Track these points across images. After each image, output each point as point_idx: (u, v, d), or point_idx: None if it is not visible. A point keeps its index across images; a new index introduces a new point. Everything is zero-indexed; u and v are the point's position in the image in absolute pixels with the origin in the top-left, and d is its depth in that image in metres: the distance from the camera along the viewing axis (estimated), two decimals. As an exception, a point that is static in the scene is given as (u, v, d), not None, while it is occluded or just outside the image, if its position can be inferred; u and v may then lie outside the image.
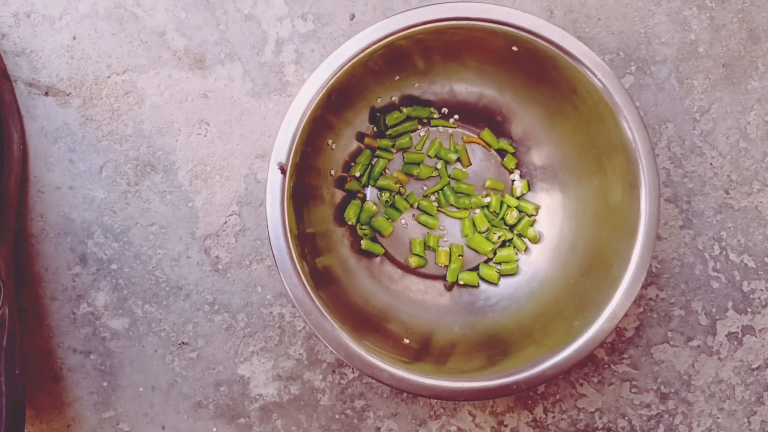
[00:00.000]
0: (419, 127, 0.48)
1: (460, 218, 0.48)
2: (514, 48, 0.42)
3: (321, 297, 0.40)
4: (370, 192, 0.48)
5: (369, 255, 0.47)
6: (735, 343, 0.49)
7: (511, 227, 0.48)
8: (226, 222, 0.48)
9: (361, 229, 0.47)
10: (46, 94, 0.48)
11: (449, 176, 0.48)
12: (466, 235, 0.48)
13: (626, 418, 0.49)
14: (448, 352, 0.43)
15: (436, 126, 0.48)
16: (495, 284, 0.47)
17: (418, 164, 0.48)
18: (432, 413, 0.48)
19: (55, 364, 0.48)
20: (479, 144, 0.48)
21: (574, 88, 0.42)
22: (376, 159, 0.48)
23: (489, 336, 0.45)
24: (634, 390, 0.49)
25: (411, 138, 0.48)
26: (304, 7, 0.49)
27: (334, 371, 0.48)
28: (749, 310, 0.49)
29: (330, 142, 0.46)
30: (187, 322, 0.48)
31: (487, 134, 0.48)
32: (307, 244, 0.42)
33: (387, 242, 0.48)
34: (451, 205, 0.48)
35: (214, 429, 0.48)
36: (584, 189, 0.45)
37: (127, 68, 0.48)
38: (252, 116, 0.48)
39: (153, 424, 0.48)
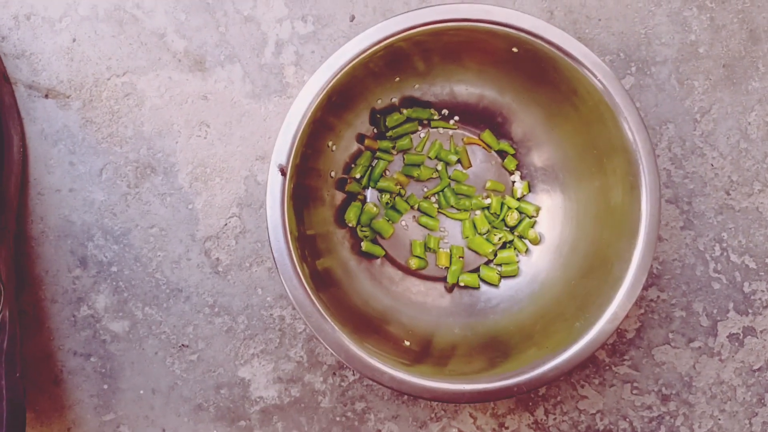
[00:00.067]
0: (419, 128, 0.48)
1: (460, 220, 0.48)
2: (515, 49, 0.42)
3: (321, 299, 0.40)
4: (371, 194, 0.48)
5: (369, 257, 0.47)
6: (736, 344, 0.49)
7: (512, 229, 0.48)
8: (226, 224, 0.48)
9: (362, 230, 0.47)
10: (46, 96, 0.48)
11: (450, 178, 0.48)
12: (467, 237, 0.48)
13: (627, 419, 0.49)
14: (448, 354, 0.43)
15: (437, 127, 0.48)
16: (496, 286, 0.47)
17: (419, 166, 0.48)
18: (433, 415, 0.48)
19: (55, 366, 0.47)
20: (479, 145, 0.48)
21: (574, 89, 0.42)
22: (376, 160, 0.48)
23: (490, 338, 0.45)
24: (635, 391, 0.49)
25: (411, 139, 0.48)
26: (304, 8, 0.48)
27: (334, 373, 0.48)
28: (750, 311, 0.49)
29: (330, 143, 0.46)
30: (188, 324, 0.48)
31: (487, 135, 0.48)
32: (308, 246, 0.42)
33: (387, 244, 0.48)
34: (452, 206, 0.48)
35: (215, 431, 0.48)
36: (585, 190, 0.45)
37: (127, 70, 0.48)
38: (252, 118, 0.48)
39: (153, 426, 0.48)
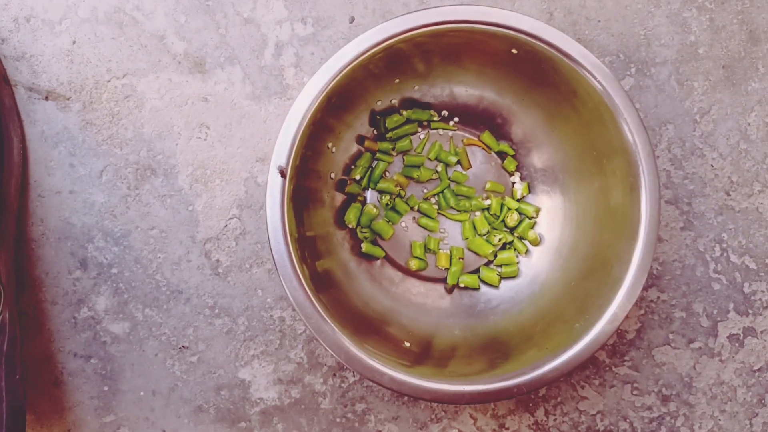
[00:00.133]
0: (419, 129, 0.48)
1: (460, 221, 0.48)
2: (514, 51, 0.42)
3: (321, 300, 0.40)
4: (371, 195, 0.48)
5: (369, 258, 0.47)
6: (736, 344, 0.49)
7: (512, 230, 0.48)
8: (226, 225, 0.48)
9: (362, 232, 0.47)
10: (46, 98, 0.48)
11: (449, 179, 0.48)
12: (467, 238, 0.48)
13: (628, 420, 0.49)
14: (448, 356, 0.43)
15: (436, 129, 0.48)
16: (496, 287, 0.47)
17: (419, 167, 0.48)
18: (433, 416, 0.48)
19: (55, 368, 0.48)
20: (479, 146, 0.48)
21: (574, 90, 0.42)
22: (376, 162, 0.48)
23: (490, 339, 0.45)
24: (635, 392, 0.49)
25: (411, 141, 0.48)
26: (304, 10, 0.49)
27: (334, 375, 0.48)
28: (750, 311, 0.49)
29: (330, 145, 0.46)
30: (188, 326, 0.48)
31: (487, 137, 0.48)
32: (308, 247, 0.42)
33: (387, 245, 0.48)
34: (452, 207, 0.48)
35: (215, 433, 0.48)
36: (585, 191, 0.45)
37: (127, 72, 0.48)
38: (252, 120, 0.48)
39: (154, 428, 0.48)
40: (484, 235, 0.48)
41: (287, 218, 0.40)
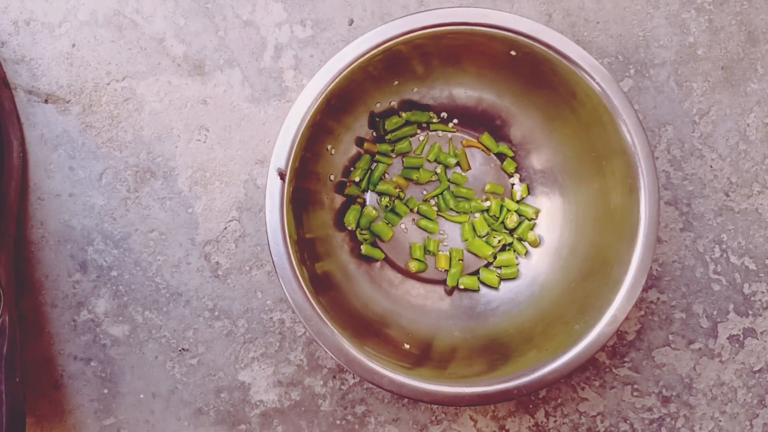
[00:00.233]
0: (418, 131, 0.48)
1: (460, 222, 0.48)
2: (513, 52, 0.42)
3: (321, 302, 0.40)
4: (370, 197, 0.48)
5: (369, 260, 0.47)
6: (736, 345, 0.49)
7: (511, 231, 0.48)
8: (225, 228, 0.48)
9: (361, 234, 0.47)
10: (46, 101, 0.48)
11: (449, 180, 0.48)
12: (466, 240, 0.48)
13: (628, 421, 0.49)
14: (448, 357, 0.43)
15: (436, 130, 0.48)
16: (495, 288, 0.47)
17: (418, 169, 0.48)
18: (433, 418, 0.48)
19: (55, 371, 0.48)
20: (478, 148, 0.48)
21: (572, 91, 0.42)
22: (375, 164, 0.48)
23: (490, 341, 0.45)
24: (635, 393, 0.49)
25: (410, 142, 0.48)
26: (303, 12, 0.49)
27: (334, 377, 0.48)
28: (750, 312, 0.49)
29: (329, 147, 0.46)
30: (188, 328, 0.48)
31: (486, 138, 0.48)
32: (307, 249, 0.42)
33: (387, 247, 0.48)
34: (451, 209, 0.48)
35: (215, 435, 0.48)
36: (584, 192, 0.45)
37: (126, 75, 0.48)
38: (251, 122, 0.48)
39: (154, 431, 0.48)
40: (484, 236, 0.48)
41: (287, 220, 0.40)
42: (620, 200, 0.42)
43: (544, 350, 0.41)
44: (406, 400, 0.48)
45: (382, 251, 0.47)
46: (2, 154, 0.45)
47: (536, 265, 0.47)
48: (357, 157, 0.48)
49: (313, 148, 0.43)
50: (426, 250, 0.48)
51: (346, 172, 0.47)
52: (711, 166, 0.50)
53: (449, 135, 0.48)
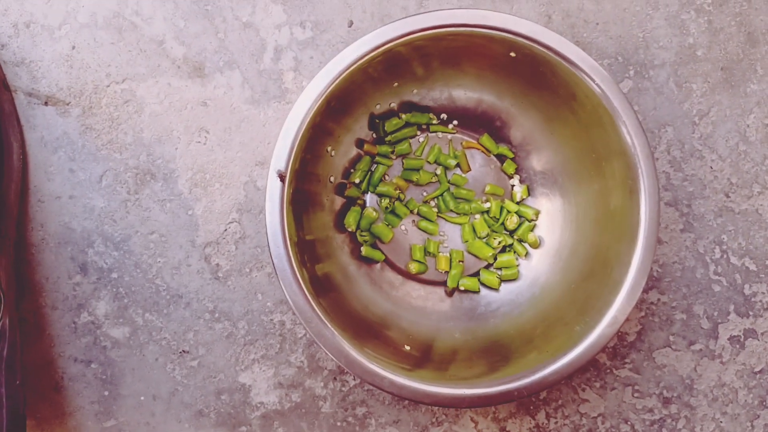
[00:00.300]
0: (418, 133, 0.48)
1: (460, 224, 0.48)
2: (513, 54, 0.42)
3: (321, 304, 0.40)
4: (370, 198, 0.48)
5: (369, 261, 0.47)
6: (737, 346, 0.49)
7: (512, 232, 0.48)
8: (226, 230, 0.48)
9: (361, 235, 0.47)
10: (46, 103, 0.48)
11: (449, 182, 0.48)
12: (467, 241, 0.48)
13: (629, 423, 0.49)
14: (449, 359, 0.43)
15: (435, 132, 0.48)
16: (496, 290, 0.47)
17: (418, 170, 0.48)
18: (434, 420, 0.48)
19: (56, 373, 0.47)
20: (478, 149, 0.48)
21: (572, 93, 0.42)
22: (375, 165, 0.48)
23: (490, 342, 0.45)
24: (636, 395, 0.49)
25: (410, 144, 0.48)
26: (303, 14, 0.49)
27: (335, 378, 0.48)
28: (751, 313, 0.49)
29: (329, 148, 0.46)
30: (188, 330, 0.48)
31: (486, 140, 0.48)
32: (307, 251, 0.42)
33: (387, 248, 0.48)
34: (451, 210, 0.48)
35: (216, 437, 0.48)
36: (584, 194, 0.45)
37: (126, 77, 0.48)
38: (251, 124, 0.48)
39: (154, 433, 0.48)
40: (484, 238, 0.48)
41: (287, 222, 0.40)
42: (620, 201, 0.42)
43: (544, 351, 0.41)
44: (406, 401, 0.48)
45: (383, 253, 0.47)
46: (2, 157, 0.45)
47: (536, 267, 0.47)
48: (357, 159, 0.48)
49: (313, 150, 0.43)
50: (426, 252, 0.48)
51: (346, 173, 0.47)
52: (711, 167, 0.50)
53: (449, 136, 0.48)
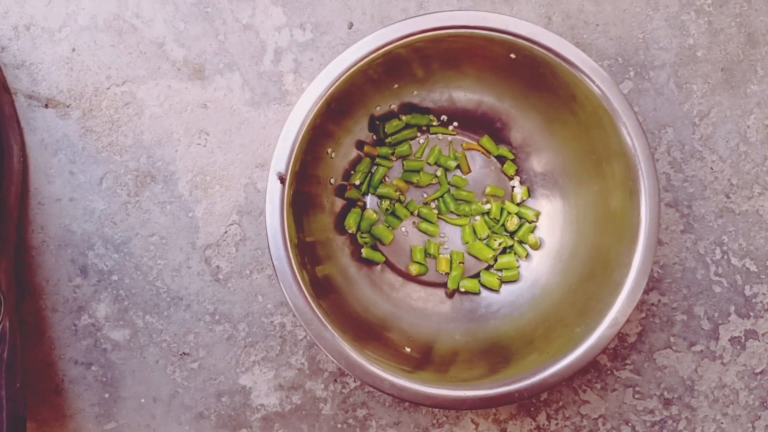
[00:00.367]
0: (418, 134, 0.48)
1: (460, 225, 0.48)
2: (513, 55, 0.42)
3: (321, 306, 0.40)
4: (370, 200, 0.48)
5: (369, 263, 0.47)
6: (738, 347, 0.49)
7: (512, 234, 0.48)
8: (226, 232, 0.48)
9: (362, 237, 0.47)
10: (46, 106, 0.48)
11: (449, 183, 0.48)
12: (467, 242, 0.48)
13: (630, 424, 0.49)
14: (449, 361, 0.43)
15: (436, 133, 0.48)
16: (496, 291, 0.47)
17: (418, 172, 0.48)
18: (435, 421, 0.48)
19: (56, 376, 0.47)
20: (479, 151, 0.48)
21: (572, 94, 0.42)
22: (375, 167, 0.48)
23: (490, 344, 0.45)
24: (637, 396, 0.49)
25: (410, 146, 0.48)
26: (303, 16, 0.49)
27: (335, 380, 0.48)
28: (752, 314, 0.49)
29: (329, 150, 0.46)
30: (188, 332, 0.48)
31: (486, 141, 0.48)
32: (307, 253, 0.42)
33: (387, 250, 0.48)
34: (452, 212, 0.48)
35: (216, 439, 0.48)
36: (584, 195, 0.45)
37: (126, 79, 0.48)
38: (251, 126, 0.48)
39: (155, 435, 0.48)
40: (484, 239, 0.48)
41: (287, 224, 0.40)
42: (621, 202, 0.42)
43: (545, 353, 0.41)
44: (407, 403, 0.48)
45: (383, 254, 0.47)
46: (2, 159, 0.45)
47: (537, 268, 0.47)
48: (357, 161, 0.48)
49: (314, 152, 0.43)
50: (426, 253, 0.48)
51: (347, 175, 0.47)
52: (711, 168, 0.50)
53: (449, 138, 0.48)
